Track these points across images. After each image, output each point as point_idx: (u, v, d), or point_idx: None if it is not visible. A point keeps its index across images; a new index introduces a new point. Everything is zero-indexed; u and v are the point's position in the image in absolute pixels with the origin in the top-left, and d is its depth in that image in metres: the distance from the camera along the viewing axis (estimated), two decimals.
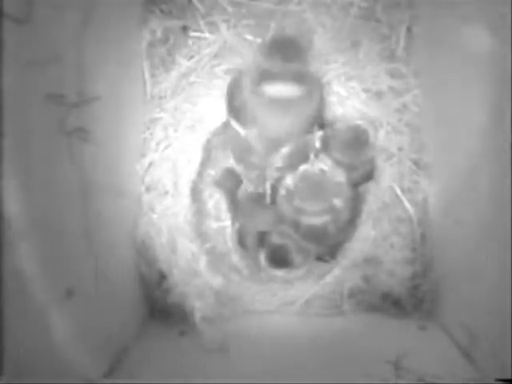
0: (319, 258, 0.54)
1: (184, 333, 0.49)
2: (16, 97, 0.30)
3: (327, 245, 0.53)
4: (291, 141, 0.51)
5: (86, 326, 0.38)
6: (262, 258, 0.53)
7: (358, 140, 0.52)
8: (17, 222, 0.30)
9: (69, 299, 0.35)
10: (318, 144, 0.52)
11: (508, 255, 0.36)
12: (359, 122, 0.53)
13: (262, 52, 0.47)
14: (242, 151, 0.53)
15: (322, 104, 0.52)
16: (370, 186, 0.54)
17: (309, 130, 0.51)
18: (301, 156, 0.51)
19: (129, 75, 0.52)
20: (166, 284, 0.52)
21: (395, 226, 0.53)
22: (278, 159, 0.51)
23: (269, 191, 0.53)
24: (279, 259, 0.52)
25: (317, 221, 0.49)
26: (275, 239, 0.52)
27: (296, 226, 0.50)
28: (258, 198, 0.53)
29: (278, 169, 0.52)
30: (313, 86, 0.49)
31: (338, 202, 0.49)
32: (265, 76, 0.47)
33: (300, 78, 0.47)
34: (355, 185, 0.53)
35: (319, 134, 0.51)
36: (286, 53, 0.47)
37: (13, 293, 0.30)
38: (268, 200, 0.53)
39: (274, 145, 0.51)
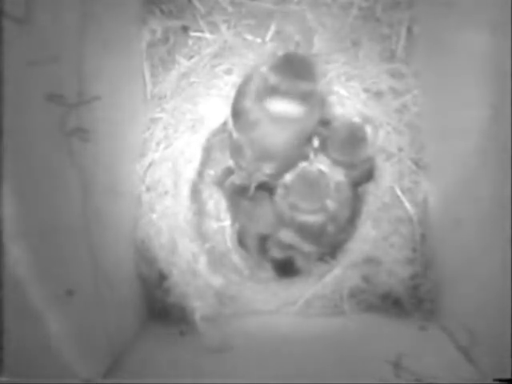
0: (320, 258, 0.54)
1: (184, 333, 0.49)
2: (16, 97, 0.30)
3: (327, 245, 0.53)
4: (283, 153, 0.50)
5: (86, 325, 0.38)
6: (270, 269, 0.53)
7: (354, 137, 0.52)
8: (17, 221, 0.30)
9: (68, 299, 0.35)
10: (316, 144, 0.52)
11: (508, 255, 0.36)
12: (355, 120, 0.53)
13: (272, 67, 0.46)
14: (233, 151, 0.53)
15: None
16: (370, 186, 0.54)
17: (303, 144, 0.51)
18: (291, 166, 0.51)
19: (129, 75, 0.52)
20: (166, 284, 0.52)
21: (395, 226, 0.53)
22: (267, 168, 0.51)
23: (253, 185, 0.53)
24: (286, 270, 0.53)
25: (311, 219, 0.50)
26: (277, 254, 0.52)
27: (294, 224, 0.51)
28: (243, 191, 0.53)
29: (267, 175, 0.52)
30: (316, 104, 0.48)
31: (330, 203, 0.49)
32: (271, 92, 0.46)
33: (307, 97, 0.46)
34: (355, 185, 0.53)
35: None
36: (298, 72, 0.46)
37: (13, 293, 0.30)
38: (251, 193, 0.53)
39: (265, 154, 0.50)
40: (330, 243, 0.53)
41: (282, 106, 0.46)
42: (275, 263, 0.55)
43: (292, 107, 0.46)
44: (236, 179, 0.54)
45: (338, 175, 0.51)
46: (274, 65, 0.46)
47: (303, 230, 0.51)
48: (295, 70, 0.46)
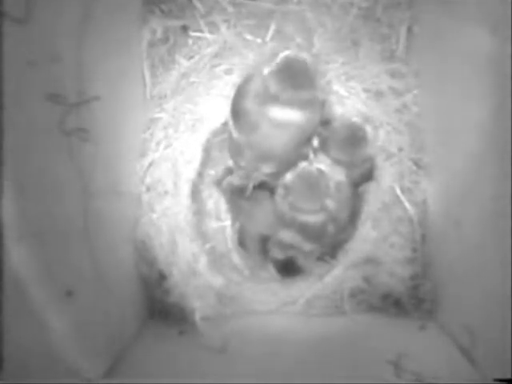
0: (320, 258, 0.54)
1: (184, 333, 0.49)
2: (16, 97, 0.30)
3: (327, 244, 0.53)
4: (283, 154, 0.50)
5: (86, 326, 0.38)
6: (272, 270, 0.53)
7: (354, 137, 0.52)
8: (17, 222, 0.30)
9: (68, 299, 0.35)
10: (316, 144, 0.52)
11: (508, 255, 0.36)
12: (355, 119, 0.53)
13: (272, 74, 0.46)
14: (233, 150, 0.53)
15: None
16: (370, 186, 0.54)
17: (303, 145, 0.51)
18: (291, 166, 0.51)
19: (129, 75, 0.52)
20: (166, 284, 0.52)
21: (395, 226, 0.53)
22: (267, 167, 0.51)
23: (251, 185, 0.53)
24: (288, 270, 0.53)
25: (311, 219, 0.50)
26: (278, 254, 0.52)
27: (294, 224, 0.51)
28: (241, 191, 0.53)
29: (267, 175, 0.52)
30: (317, 109, 0.49)
31: (330, 203, 0.49)
32: (272, 100, 0.46)
33: (307, 105, 0.47)
34: (355, 185, 0.53)
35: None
36: (298, 81, 0.46)
37: (13, 293, 0.30)
38: (248, 192, 0.53)
39: (264, 155, 0.51)
40: (330, 243, 0.53)
41: (283, 114, 0.47)
42: (277, 264, 0.55)
43: (292, 114, 0.47)
44: (234, 179, 0.54)
45: (338, 175, 0.51)
46: (274, 71, 0.46)
47: (304, 230, 0.51)
48: (295, 78, 0.46)
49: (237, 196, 0.55)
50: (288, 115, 0.47)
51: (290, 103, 0.46)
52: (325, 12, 0.54)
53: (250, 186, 0.53)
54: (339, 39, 0.54)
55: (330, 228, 0.51)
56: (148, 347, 0.47)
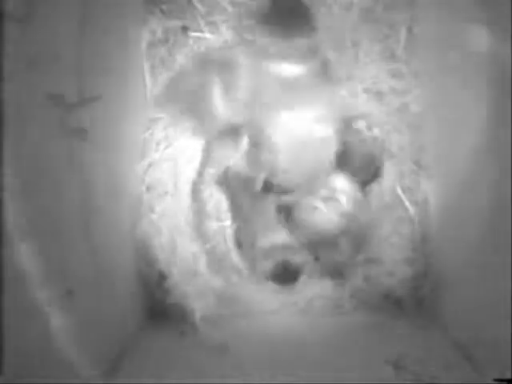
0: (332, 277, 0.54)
1: (184, 333, 0.49)
2: (16, 97, 0.30)
3: (339, 262, 0.53)
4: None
5: (86, 325, 0.38)
6: (268, 275, 0.53)
7: (371, 156, 0.52)
8: (17, 221, 0.30)
9: (69, 299, 0.35)
10: (334, 162, 0.51)
11: (508, 255, 0.36)
12: (371, 147, 0.52)
13: (259, 23, 0.43)
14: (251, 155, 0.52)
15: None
16: (371, 187, 0.54)
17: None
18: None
19: (129, 75, 0.52)
20: (166, 284, 0.52)
21: (396, 226, 0.53)
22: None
23: (261, 181, 0.52)
24: (286, 277, 0.53)
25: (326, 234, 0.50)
26: (266, 265, 0.52)
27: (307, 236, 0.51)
28: (248, 183, 0.53)
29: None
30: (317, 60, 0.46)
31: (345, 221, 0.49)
32: (263, 54, 0.43)
33: (305, 54, 0.43)
34: (363, 184, 0.53)
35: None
36: (288, 26, 0.42)
37: (13, 293, 0.30)
38: (259, 187, 0.52)
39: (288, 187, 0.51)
40: (342, 259, 0.53)
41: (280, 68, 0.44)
42: (271, 275, 0.54)
43: (290, 67, 0.44)
44: (239, 168, 0.53)
45: (355, 192, 0.51)
46: (261, 20, 0.43)
47: (317, 244, 0.51)
48: (284, 25, 0.43)
49: (241, 190, 0.54)
50: (287, 68, 0.43)
51: (284, 55, 0.43)
52: (325, 12, 0.54)
53: (261, 177, 0.52)
54: (339, 39, 0.54)
55: (343, 244, 0.51)
56: (148, 347, 0.47)
